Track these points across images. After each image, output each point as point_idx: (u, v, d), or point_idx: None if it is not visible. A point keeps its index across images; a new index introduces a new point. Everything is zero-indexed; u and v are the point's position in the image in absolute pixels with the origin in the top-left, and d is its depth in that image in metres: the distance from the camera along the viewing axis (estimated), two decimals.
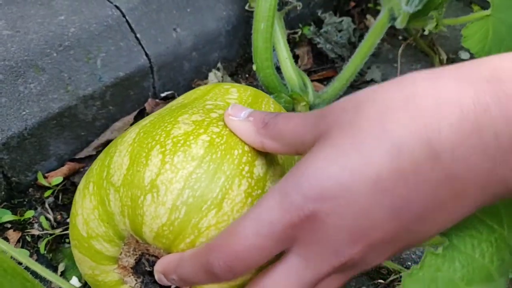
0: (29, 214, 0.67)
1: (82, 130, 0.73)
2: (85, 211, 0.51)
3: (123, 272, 0.53)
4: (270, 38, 0.76)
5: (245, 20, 0.89)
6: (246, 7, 0.86)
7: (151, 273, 0.51)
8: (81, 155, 0.74)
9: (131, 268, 0.52)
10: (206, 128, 0.50)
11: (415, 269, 0.41)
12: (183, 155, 0.47)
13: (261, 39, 0.76)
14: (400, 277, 0.68)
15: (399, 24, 0.83)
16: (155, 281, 0.51)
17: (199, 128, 0.50)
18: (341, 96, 0.84)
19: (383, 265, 0.70)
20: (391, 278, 0.69)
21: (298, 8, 0.85)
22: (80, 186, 0.54)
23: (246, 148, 0.49)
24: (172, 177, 0.46)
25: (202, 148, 0.48)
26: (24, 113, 0.66)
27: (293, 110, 0.80)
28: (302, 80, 0.80)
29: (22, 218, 0.67)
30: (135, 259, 0.52)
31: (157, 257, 0.50)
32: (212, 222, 0.45)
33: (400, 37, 1.06)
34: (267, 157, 0.50)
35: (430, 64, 0.99)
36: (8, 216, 0.66)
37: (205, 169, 0.46)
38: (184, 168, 0.46)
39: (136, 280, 0.52)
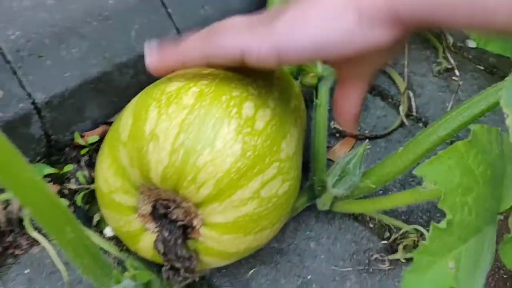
0: (68, 168, 0.73)
1: (115, 96, 0.79)
2: (103, 170, 0.59)
3: (143, 220, 0.59)
4: None
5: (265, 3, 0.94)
6: None
7: (166, 216, 0.57)
8: (113, 119, 0.80)
9: (149, 215, 0.59)
10: (196, 82, 0.56)
11: (424, 245, 0.47)
12: (176, 106, 0.54)
13: None
14: (403, 233, 0.74)
15: None
16: (170, 222, 0.57)
17: (189, 82, 0.56)
18: None
19: (390, 224, 0.76)
20: (393, 237, 0.75)
21: None
22: (99, 152, 0.61)
23: (234, 94, 0.56)
24: (168, 125, 0.53)
25: (192, 98, 0.54)
26: (66, 75, 0.72)
27: (301, 81, 0.84)
28: None
29: (61, 172, 0.73)
30: (151, 206, 0.58)
31: (169, 200, 0.57)
32: (208, 158, 0.52)
33: None
34: (257, 101, 0.56)
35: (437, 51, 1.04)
36: (48, 169, 0.72)
37: (196, 114, 0.53)
38: (177, 117, 0.53)
39: (155, 224, 0.59)
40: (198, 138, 0.52)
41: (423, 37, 1.07)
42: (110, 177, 0.58)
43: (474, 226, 0.49)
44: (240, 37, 0.53)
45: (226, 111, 0.54)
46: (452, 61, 1.01)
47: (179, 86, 0.56)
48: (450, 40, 1.04)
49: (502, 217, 0.52)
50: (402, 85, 0.96)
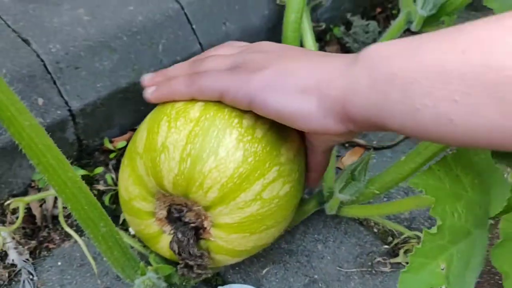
0: (98, 170, 0.80)
1: (142, 105, 0.85)
2: (124, 180, 0.65)
3: (161, 223, 0.65)
4: (299, 29, 0.86)
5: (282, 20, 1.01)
6: (277, 2, 0.97)
7: (180, 219, 0.63)
8: None
9: (165, 218, 0.64)
10: None
11: (417, 248, 0.51)
12: (184, 119, 0.59)
13: (290, 28, 0.86)
14: (405, 239, 0.79)
15: (414, 27, 0.94)
16: (184, 224, 0.63)
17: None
18: None
19: (393, 229, 0.81)
20: (396, 241, 0.80)
21: (324, 4, 0.96)
22: (121, 163, 0.67)
23: None
24: (177, 137, 0.58)
25: (198, 111, 0.60)
26: (98, 85, 0.78)
27: None
28: None
29: (92, 174, 0.80)
30: (166, 211, 0.64)
31: (181, 205, 0.63)
32: (213, 165, 0.57)
33: None
34: None
35: None
36: (80, 171, 0.79)
37: (201, 126, 0.58)
38: (184, 129, 0.58)
39: (171, 227, 0.65)
40: (203, 148, 0.57)
41: None
42: (130, 186, 0.64)
43: (464, 230, 0.53)
44: (220, 80, 0.59)
45: (228, 122, 0.59)
46: None
47: (186, 101, 0.62)
48: None
49: (493, 222, 0.57)
50: None
